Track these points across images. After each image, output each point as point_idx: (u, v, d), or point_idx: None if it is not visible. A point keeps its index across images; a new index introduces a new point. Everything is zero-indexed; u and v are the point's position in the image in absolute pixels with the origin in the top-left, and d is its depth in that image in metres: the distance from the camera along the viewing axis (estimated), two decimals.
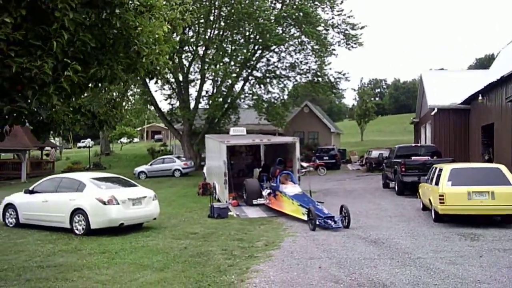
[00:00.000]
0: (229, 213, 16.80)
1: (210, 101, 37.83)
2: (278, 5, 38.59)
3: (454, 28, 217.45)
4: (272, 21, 34.78)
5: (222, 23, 37.75)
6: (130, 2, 5.54)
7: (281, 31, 36.73)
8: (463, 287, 7.48)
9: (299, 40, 38.31)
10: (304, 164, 35.06)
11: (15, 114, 5.00)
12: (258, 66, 40.71)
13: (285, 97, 42.40)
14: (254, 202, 17.87)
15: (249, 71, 39.97)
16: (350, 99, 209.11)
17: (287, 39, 37.03)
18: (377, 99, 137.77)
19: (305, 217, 14.21)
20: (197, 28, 37.83)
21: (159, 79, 7.14)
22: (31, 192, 14.93)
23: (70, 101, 5.99)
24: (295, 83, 42.21)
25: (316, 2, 37.01)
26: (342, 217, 13.72)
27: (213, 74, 35.80)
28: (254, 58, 39.06)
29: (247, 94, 40.56)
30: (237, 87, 39.98)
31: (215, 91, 38.81)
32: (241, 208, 17.97)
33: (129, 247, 11.79)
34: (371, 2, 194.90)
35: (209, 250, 11.09)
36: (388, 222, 14.36)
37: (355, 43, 38.77)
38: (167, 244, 12.04)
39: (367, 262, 9.32)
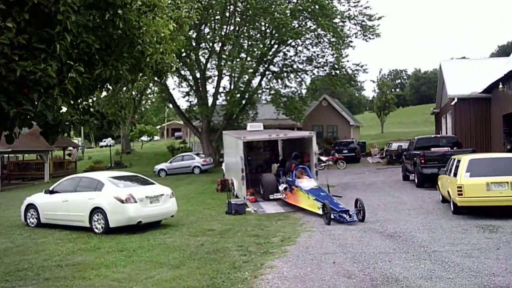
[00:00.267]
0: (247, 209, 16.84)
1: (228, 97, 37.90)
2: None
3: (476, 15, 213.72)
4: (288, 15, 34.65)
5: (238, 19, 37.76)
6: (133, 2, 5.57)
7: (297, 25, 36.55)
8: (476, 280, 7.38)
9: (316, 33, 38.07)
10: (323, 158, 35.01)
11: (22, 117, 5.09)
12: (275, 60, 40.68)
13: (303, 91, 42.29)
14: (271, 197, 17.90)
15: (266, 66, 39.95)
16: (370, 91, 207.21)
17: (303, 32, 36.83)
18: (397, 90, 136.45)
19: (320, 211, 14.20)
20: (213, 24, 37.93)
21: (167, 77, 7.19)
22: (51, 192, 15.18)
23: (78, 102, 6.08)
24: (312, 76, 42.05)
25: None
26: (357, 211, 13.68)
27: (230, 70, 35.82)
28: (270, 53, 39.01)
29: (264, 89, 40.55)
30: (255, 82, 40.04)
31: (232, 87, 38.87)
32: (258, 204, 17.99)
33: (146, 244, 11.92)
34: None
35: (225, 246, 11.13)
36: (406, 215, 14.22)
37: (372, 35, 38.44)
38: (184, 241, 12.13)
39: (382, 256, 9.25)
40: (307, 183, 16.38)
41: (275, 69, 41.21)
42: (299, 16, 36.38)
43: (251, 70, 36.88)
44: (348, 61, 46.89)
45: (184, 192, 24.96)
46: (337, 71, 39.73)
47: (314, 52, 40.16)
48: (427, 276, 7.74)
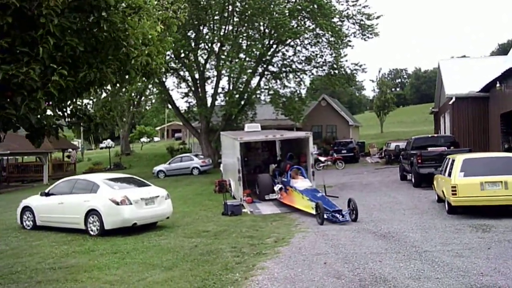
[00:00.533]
0: (243, 210, 16.87)
1: (227, 98, 37.91)
2: None
3: (474, 14, 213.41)
4: (286, 14, 34.63)
5: (236, 19, 37.75)
6: (118, 4, 5.58)
7: (295, 25, 36.54)
8: (464, 280, 7.39)
9: (314, 33, 38.04)
10: (322, 159, 35.03)
11: (5, 121, 5.10)
12: (273, 60, 40.64)
13: (302, 91, 42.30)
14: (266, 197, 17.98)
15: (265, 66, 39.96)
16: (370, 90, 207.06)
17: (301, 32, 36.81)
18: (397, 89, 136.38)
19: (314, 211, 14.24)
20: (211, 25, 37.96)
21: (155, 78, 7.21)
22: (47, 194, 15.22)
23: (64, 105, 6.10)
24: (311, 76, 42.04)
25: None
26: (349, 211, 13.74)
27: (229, 70, 35.83)
28: (269, 53, 39.00)
29: (263, 90, 40.55)
30: (253, 82, 40.03)
31: (231, 87, 38.88)
32: (255, 205, 18.02)
33: (141, 246, 11.95)
34: None
35: (219, 248, 11.16)
36: (401, 215, 14.24)
37: (371, 34, 38.42)
38: (178, 243, 12.16)
39: (373, 256, 9.27)
40: (301, 183, 16.43)
41: (274, 69, 41.22)
42: (297, 16, 36.37)
43: (249, 71, 36.87)
44: (347, 60, 47.03)
45: (182, 193, 24.99)
46: (336, 71, 39.71)
47: (313, 52, 40.16)
48: (416, 276, 7.76)
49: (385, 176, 27.63)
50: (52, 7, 4.93)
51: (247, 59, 36.86)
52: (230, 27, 38.16)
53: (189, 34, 37.11)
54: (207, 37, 38.07)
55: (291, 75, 40.97)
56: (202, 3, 35.07)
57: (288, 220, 14.67)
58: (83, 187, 14.61)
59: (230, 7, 36.49)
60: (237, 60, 35.32)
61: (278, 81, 40.89)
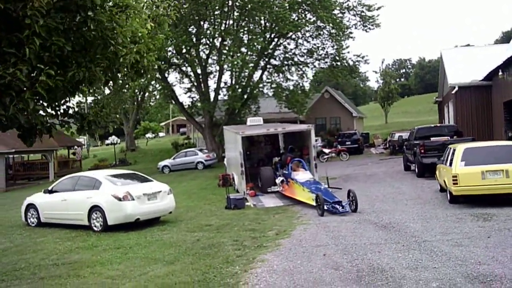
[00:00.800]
0: (246, 204, 16.93)
1: (229, 92, 37.93)
2: None
3: (473, 5, 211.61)
4: (286, 8, 34.54)
5: (237, 13, 37.69)
6: (104, 3, 5.61)
7: (296, 18, 36.45)
8: (461, 269, 7.41)
9: (315, 25, 37.95)
10: (326, 150, 35.06)
11: None
12: (275, 54, 40.59)
13: (305, 84, 42.25)
14: (269, 190, 18.12)
15: (267, 59, 39.91)
16: (374, 81, 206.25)
17: (302, 25, 36.71)
18: (402, 79, 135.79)
19: (314, 203, 14.31)
20: (212, 19, 37.92)
21: (147, 76, 7.24)
22: (50, 191, 15.33)
23: (56, 104, 6.16)
24: (314, 69, 41.97)
25: None
26: (349, 202, 13.82)
27: (231, 65, 35.81)
28: (271, 47, 38.94)
29: (265, 83, 40.54)
30: (256, 76, 39.99)
31: (233, 82, 38.88)
32: (258, 198, 18.09)
33: (143, 241, 12.04)
34: None
35: (221, 241, 11.22)
36: (403, 206, 14.25)
37: (372, 25, 38.28)
38: (180, 237, 12.23)
39: (373, 247, 9.31)
40: (302, 175, 16.52)
41: (276, 62, 41.19)
42: (297, 9, 36.26)
43: (251, 65, 36.85)
44: (348, 52, 46.88)
45: (187, 188, 25.11)
46: (338, 63, 39.62)
47: (315, 44, 40.04)
48: (413, 266, 7.79)
49: (389, 166, 27.62)
50: (37, 8, 4.95)
51: (249, 53, 36.82)
52: (231, 22, 38.11)
53: (190, 29, 37.08)
54: (208, 32, 38.02)
55: (293, 68, 40.97)
56: None
57: (290, 213, 14.72)
58: (86, 183, 14.72)
59: (230, 1, 36.43)
60: (238, 55, 35.29)
61: (280, 74, 40.85)
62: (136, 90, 44.35)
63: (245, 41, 37.03)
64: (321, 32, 38.75)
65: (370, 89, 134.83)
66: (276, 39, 39.20)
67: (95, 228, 13.83)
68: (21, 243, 13.04)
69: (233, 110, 38.62)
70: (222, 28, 37.27)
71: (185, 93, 42.92)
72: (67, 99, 6.17)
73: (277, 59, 41.08)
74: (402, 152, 26.67)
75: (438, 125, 29.30)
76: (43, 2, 4.88)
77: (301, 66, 40.94)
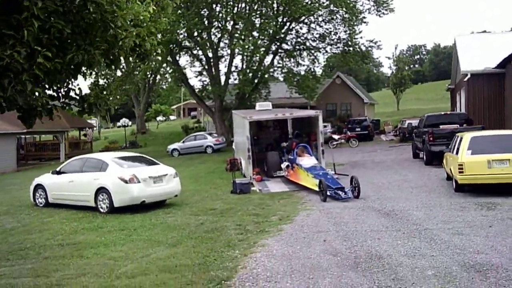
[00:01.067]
0: (252, 188, 17.00)
1: (240, 76, 37.85)
2: None
3: None
4: None
5: None
6: None
7: (309, 1, 36.14)
8: (459, 257, 7.41)
9: (328, 9, 37.63)
10: (336, 137, 34.97)
11: None
12: (287, 38, 40.33)
13: (316, 69, 42.00)
14: (274, 174, 18.31)
15: (278, 44, 39.69)
16: (387, 67, 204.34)
17: (315, 9, 36.39)
18: (416, 66, 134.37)
19: (317, 188, 14.38)
20: (224, 2, 37.74)
21: (149, 60, 7.24)
22: (58, 172, 15.52)
23: (59, 86, 6.22)
24: (325, 54, 41.70)
25: None
26: (352, 188, 13.89)
27: (242, 49, 35.68)
28: (283, 31, 38.71)
29: (276, 68, 40.37)
30: (267, 61, 39.85)
31: (244, 66, 38.77)
32: (264, 183, 18.14)
33: (148, 224, 12.17)
34: None
35: (224, 225, 11.30)
36: (408, 193, 14.22)
37: (386, 10, 37.89)
38: (185, 220, 12.34)
39: (373, 234, 9.33)
40: (307, 161, 16.60)
41: (288, 47, 40.94)
42: None
43: (263, 49, 36.69)
44: (361, 37, 46.31)
45: (194, 171, 25.24)
46: (351, 48, 39.29)
47: (327, 29, 39.74)
48: (411, 253, 7.81)
49: (398, 154, 27.51)
50: None
51: (261, 37, 36.64)
52: (243, 5, 37.90)
53: (202, 12, 36.93)
54: (220, 15, 37.89)
55: (305, 53, 40.70)
56: None
57: (295, 198, 14.75)
58: (93, 165, 14.88)
59: None
60: (250, 39, 35.13)
61: (291, 59, 40.62)
62: (148, 73, 44.45)
63: (257, 25, 36.83)
64: (334, 17, 38.45)
65: (383, 75, 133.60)
66: (288, 23, 38.95)
67: (102, 210, 14.00)
68: (28, 223, 13.26)
69: (243, 95, 38.58)
70: (234, 11, 37.10)
71: (196, 77, 42.97)
72: (69, 81, 6.23)
73: (288, 43, 40.86)
74: (411, 140, 26.53)
75: (448, 112, 29.01)
76: None
77: (312, 51, 40.69)
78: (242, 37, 35.38)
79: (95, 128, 56.94)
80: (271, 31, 36.06)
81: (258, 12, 37.83)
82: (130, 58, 7.10)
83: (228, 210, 13.34)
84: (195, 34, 37.55)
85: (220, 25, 38.78)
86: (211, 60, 39.63)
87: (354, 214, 11.61)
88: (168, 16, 7.37)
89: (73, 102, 6.51)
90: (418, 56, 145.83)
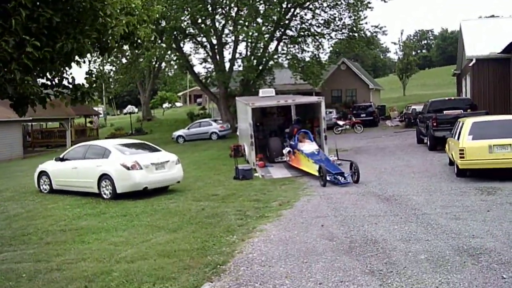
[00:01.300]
0: (255, 174, 17.09)
1: (244, 63, 37.75)
2: None
3: None
4: None
5: None
6: None
7: None
8: (453, 242, 7.46)
9: None
10: (340, 123, 34.91)
11: None
12: (291, 24, 40.11)
13: (322, 55, 41.79)
14: (276, 160, 18.57)
15: (282, 30, 39.48)
16: (393, 53, 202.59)
17: None
18: (423, 51, 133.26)
19: (318, 174, 14.48)
20: None
21: (143, 48, 7.26)
22: (62, 159, 15.66)
23: (54, 74, 6.26)
24: (330, 40, 41.45)
25: None
26: (351, 173, 14.03)
27: (246, 36, 35.54)
28: (287, 17, 38.48)
29: (281, 54, 40.20)
30: (271, 47, 39.69)
31: (248, 53, 38.65)
32: (267, 169, 18.22)
33: (150, 209, 12.28)
34: None
35: (225, 211, 11.38)
36: (409, 179, 14.24)
37: None
38: (186, 206, 12.44)
39: (371, 219, 9.38)
40: (308, 146, 16.72)
41: (292, 33, 40.72)
42: None
43: (267, 35, 36.52)
44: (366, 23, 45.98)
45: (198, 158, 25.34)
46: (356, 34, 39.06)
47: (332, 15, 39.49)
48: (407, 238, 7.86)
49: (402, 139, 27.46)
50: None
51: (265, 23, 36.46)
52: None
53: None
54: (224, 1, 37.68)
55: (309, 39, 40.47)
56: None
57: (297, 184, 14.82)
58: (96, 152, 14.99)
59: None
60: (254, 25, 34.97)
61: (296, 45, 40.42)
62: (153, 60, 44.42)
63: (261, 11, 36.62)
64: (339, 2, 38.17)
65: (390, 60, 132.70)
66: (292, 9, 38.69)
67: (105, 196, 14.14)
68: (32, 209, 13.42)
69: (248, 81, 38.51)
70: None
71: (200, 64, 42.90)
72: (63, 70, 6.27)
73: (293, 30, 40.62)
74: (416, 125, 26.47)
75: (452, 98, 28.83)
76: None
77: (317, 37, 40.43)
78: (246, 23, 35.22)
79: (101, 115, 57.13)
80: (275, 17, 35.85)
81: None
82: (125, 47, 7.13)
83: (229, 196, 13.43)
84: (199, 21, 37.42)
85: (224, 11, 38.62)
86: (216, 47, 39.53)
87: (354, 199, 11.66)
88: (162, 4, 7.37)
89: (66, 90, 6.55)
90: (425, 41, 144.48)
